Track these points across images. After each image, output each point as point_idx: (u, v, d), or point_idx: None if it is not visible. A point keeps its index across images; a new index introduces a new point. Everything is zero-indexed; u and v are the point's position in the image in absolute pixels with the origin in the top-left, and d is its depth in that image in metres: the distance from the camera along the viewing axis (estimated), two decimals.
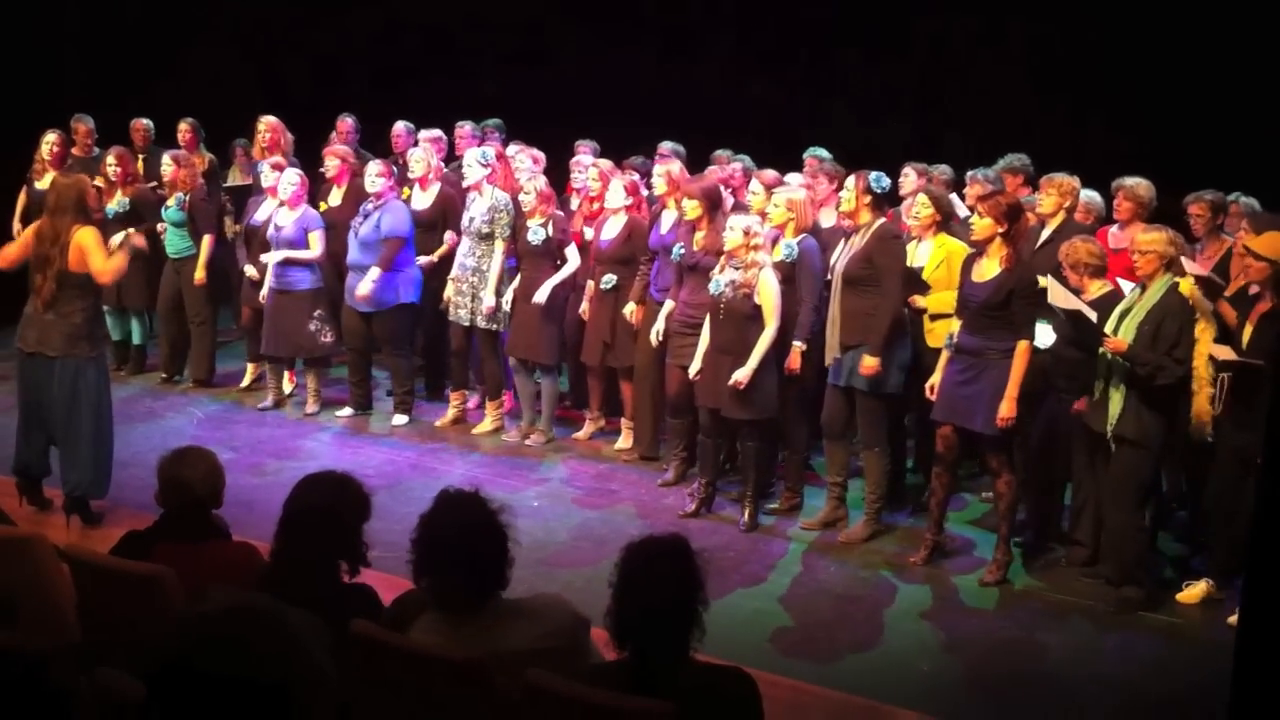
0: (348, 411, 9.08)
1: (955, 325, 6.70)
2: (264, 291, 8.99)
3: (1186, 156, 8.27)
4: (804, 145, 8.94)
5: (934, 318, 7.08)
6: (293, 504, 3.89)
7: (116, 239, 9.30)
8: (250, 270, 9.20)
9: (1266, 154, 7.39)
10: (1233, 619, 5.74)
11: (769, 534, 7.24)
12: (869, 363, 6.84)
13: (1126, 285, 6.60)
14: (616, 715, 3.31)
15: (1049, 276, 6.49)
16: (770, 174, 8.01)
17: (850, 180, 7.07)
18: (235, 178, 10.74)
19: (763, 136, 9.91)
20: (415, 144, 9.49)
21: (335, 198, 9.31)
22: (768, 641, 5.98)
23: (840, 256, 7.08)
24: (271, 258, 8.81)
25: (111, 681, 3.06)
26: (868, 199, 6.95)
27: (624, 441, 8.48)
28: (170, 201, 9.40)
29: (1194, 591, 6.43)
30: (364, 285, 8.62)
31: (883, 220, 7.03)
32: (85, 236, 6.71)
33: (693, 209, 7.53)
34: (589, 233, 8.44)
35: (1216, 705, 4.79)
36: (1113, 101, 9.46)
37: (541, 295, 8.21)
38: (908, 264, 7.06)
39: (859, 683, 5.61)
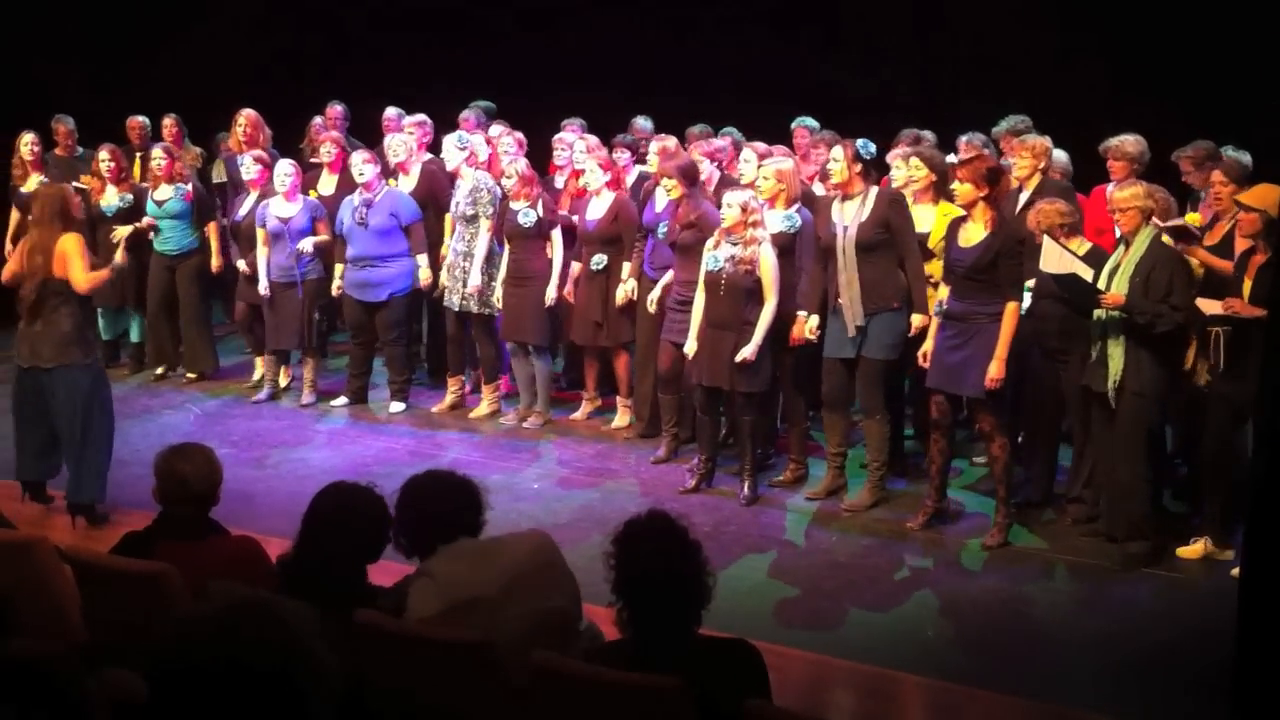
0: (343, 401, 9.06)
1: (944, 292, 6.70)
2: (263, 286, 8.91)
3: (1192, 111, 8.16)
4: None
5: (938, 286, 7.07)
6: (324, 515, 3.88)
7: (122, 231, 9.28)
8: (243, 265, 9.14)
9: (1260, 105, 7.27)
10: (1235, 570, 5.74)
11: (770, 506, 7.24)
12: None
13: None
14: (623, 691, 3.32)
15: (1045, 241, 6.47)
16: (760, 145, 7.99)
17: (838, 150, 7.04)
18: (219, 172, 10.67)
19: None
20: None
21: (328, 185, 9.24)
22: (772, 613, 5.99)
23: (839, 225, 7.01)
24: (305, 244, 8.68)
25: (120, 681, 3.06)
26: (858, 166, 6.94)
27: (621, 420, 8.48)
28: (168, 194, 9.30)
29: (1196, 548, 6.41)
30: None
31: (877, 187, 7.02)
32: (68, 243, 6.69)
33: (672, 188, 7.52)
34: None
35: (1221, 653, 4.81)
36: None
37: (551, 293, 8.23)
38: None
39: (864, 650, 5.63)
